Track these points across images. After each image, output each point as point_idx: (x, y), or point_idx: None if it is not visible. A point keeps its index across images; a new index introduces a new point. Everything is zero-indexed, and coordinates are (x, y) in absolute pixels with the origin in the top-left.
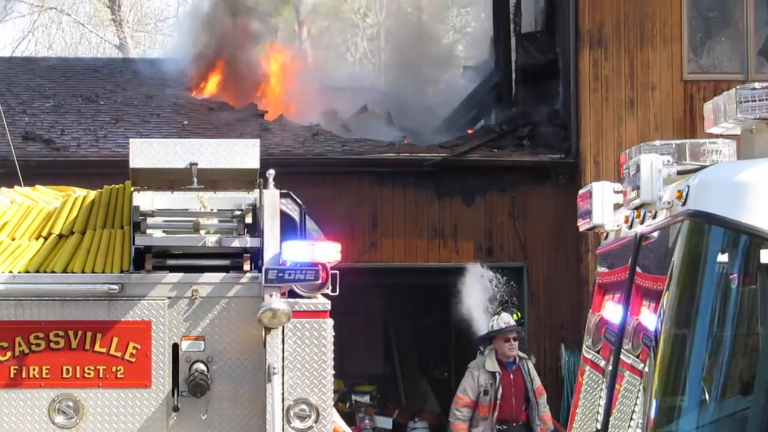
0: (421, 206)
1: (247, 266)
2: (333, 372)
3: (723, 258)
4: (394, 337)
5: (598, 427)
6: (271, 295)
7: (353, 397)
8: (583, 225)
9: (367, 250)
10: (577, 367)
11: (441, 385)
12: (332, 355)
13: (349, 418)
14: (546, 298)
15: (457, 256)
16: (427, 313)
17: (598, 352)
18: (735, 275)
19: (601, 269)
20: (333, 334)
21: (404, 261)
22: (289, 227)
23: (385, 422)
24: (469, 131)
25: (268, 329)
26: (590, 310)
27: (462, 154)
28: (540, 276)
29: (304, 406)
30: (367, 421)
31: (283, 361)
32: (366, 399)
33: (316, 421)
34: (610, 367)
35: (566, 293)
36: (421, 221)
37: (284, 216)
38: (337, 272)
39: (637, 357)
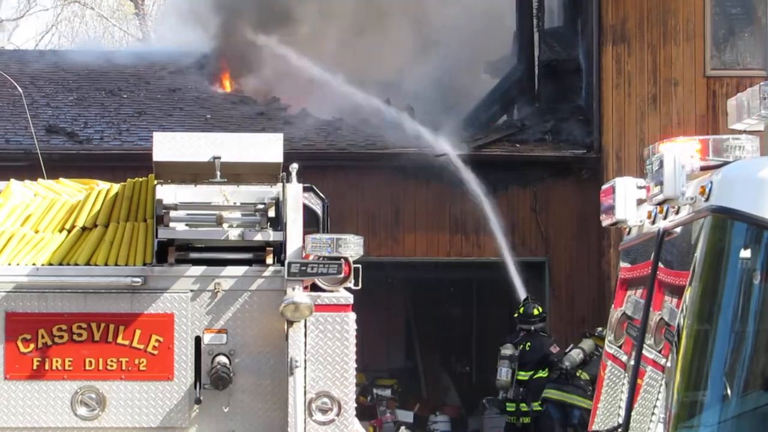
0: (443, 201)
1: (269, 260)
2: (355, 365)
3: (746, 254)
4: (416, 331)
5: (620, 421)
6: (293, 289)
7: (375, 391)
8: (605, 220)
9: (389, 244)
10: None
11: (462, 378)
12: (354, 349)
13: (370, 411)
14: (567, 293)
15: (478, 251)
16: (449, 308)
17: (620, 347)
18: (757, 271)
19: (623, 264)
20: (355, 327)
21: (426, 255)
22: (311, 221)
23: (407, 416)
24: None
25: (290, 322)
26: (612, 306)
27: (482, 147)
28: (562, 271)
29: (326, 399)
30: (388, 414)
31: (305, 355)
32: (387, 393)
33: (337, 414)
34: (632, 362)
35: (588, 288)
36: (443, 216)
37: (307, 210)
38: (360, 266)
39: (660, 352)
